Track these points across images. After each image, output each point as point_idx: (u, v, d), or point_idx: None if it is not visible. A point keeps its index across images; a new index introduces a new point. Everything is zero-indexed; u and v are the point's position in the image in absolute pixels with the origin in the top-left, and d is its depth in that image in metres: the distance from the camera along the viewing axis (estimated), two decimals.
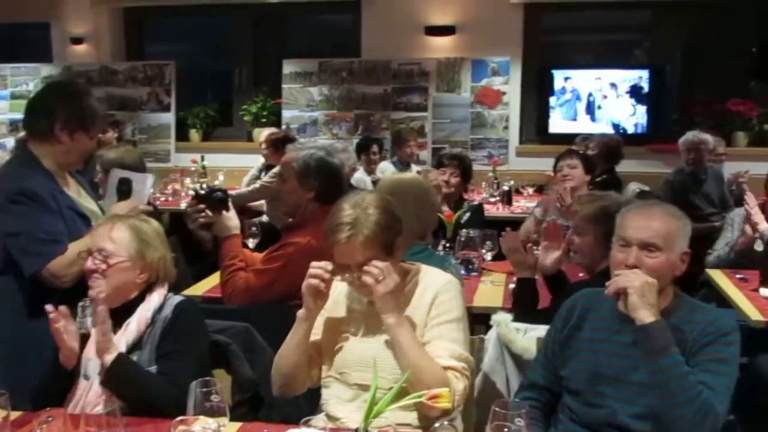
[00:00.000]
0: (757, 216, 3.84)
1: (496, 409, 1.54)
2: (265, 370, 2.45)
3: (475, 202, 4.64)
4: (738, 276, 3.69)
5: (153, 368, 2.12)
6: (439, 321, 2.08)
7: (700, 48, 7.53)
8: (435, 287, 2.13)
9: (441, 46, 7.11)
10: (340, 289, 2.18)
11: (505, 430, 1.52)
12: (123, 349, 2.09)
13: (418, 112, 7.22)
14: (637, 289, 1.91)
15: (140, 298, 2.21)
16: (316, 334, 2.16)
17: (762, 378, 3.08)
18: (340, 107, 7.34)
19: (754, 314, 3.15)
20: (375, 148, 6.33)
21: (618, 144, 5.81)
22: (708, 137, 5.70)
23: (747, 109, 6.92)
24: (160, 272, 2.25)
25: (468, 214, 4.10)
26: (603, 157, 5.61)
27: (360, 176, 5.63)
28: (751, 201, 3.90)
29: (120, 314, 2.16)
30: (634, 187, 5.83)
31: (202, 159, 6.86)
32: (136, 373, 2.08)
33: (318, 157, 3.03)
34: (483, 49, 7.03)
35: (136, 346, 2.14)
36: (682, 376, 1.85)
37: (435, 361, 1.98)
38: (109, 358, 2.02)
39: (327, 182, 3.00)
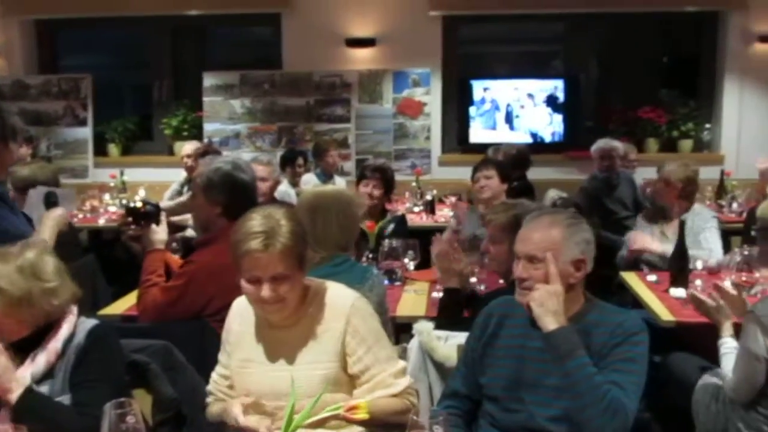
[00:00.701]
0: (653, 245, 4.16)
1: (414, 418, 1.56)
2: (186, 387, 2.43)
3: (399, 213, 4.67)
4: (650, 278, 3.84)
5: (66, 397, 2.04)
6: (368, 346, 2.06)
7: (614, 58, 7.83)
8: (343, 312, 2.07)
9: (362, 58, 7.16)
10: (246, 318, 2.15)
11: None
12: (29, 381, 1.99)
13: (341, 123, 7.25)
14: (536, 299, 1.99)
15: (49, 327, 2.09)
16: (227, 368, 2.14)
17: (674, 376, 3.19)
18: (263, 120, 7.29)
19: (664, 314, 3.27)
20: (300, 160, 6.32)
21: (525, 151, 5.96)
22: (618, 144, 5.92)
23: (656, 117, 7.21)
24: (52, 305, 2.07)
25: (392, 225, 4.13)
26: (512, 165, 5.75)
27: (284, 189, 5.61)
28: (638, 242, 4.19)
29: (28, 344, 2.05)
30: (552, 194, 5.99)
31: (122, 174, 6.70)
32: (45, 408, 1.99)
33: (224, 172, 2.96)
34: (404, 61, 7.11)
35: (47, 375, 2.06)
36: (588, 378, 1.92)
37: (389, 401, 1.99)
38: (14, 396, 1.93)
39: (234, 197, 2.93)
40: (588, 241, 2.09)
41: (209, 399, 2.23)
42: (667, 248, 3.87)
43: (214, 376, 2.23)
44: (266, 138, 7.30)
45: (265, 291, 1.94)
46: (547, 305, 1.99)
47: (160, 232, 3.01)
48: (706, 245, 4.00)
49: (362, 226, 3.86)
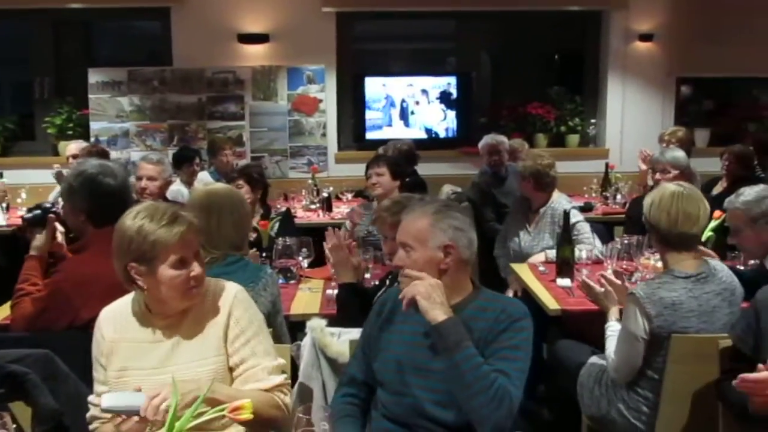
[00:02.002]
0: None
1: (300, 415, 1.55)
2: (69, 397, 2.33)
3: (282, 209, 4.63)
4: (540, 269, 3.96)
5: None
6: (247, 338, 2.08)
7: (505, 55, 8.05)
8: (226, 304, 2.09)
9: (255, 54, 7.06)
10: (120, 324, 2.09)
11: None
12: None
13: (235, 121, 7.12)
14: (423, 293, 2.04)
15: None
16: (106, 383, 2.06)
17: (561, 361, 3.32)
18: (153, 118, 7.06)
19: (551, 303, 3.38)
20: (197, 159, 6.17)
21: (411, 147, 6.05)
22: (503, 139, 6.09)
23: (545, 113, 7.45)
24: None
25: (278, 223, 4.10)
26: (403, 161, 5.83)
27: (177, 188, 5.46)
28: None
29: None
30: (447, 189, 6.11)
31: (1, 176, 6.34)
32: None
33: (85, 177, 2.81)
34: (298, 57, 7.05)
35: None
36: (475, 368, 1.97)
37: (259, 394, 1.98)
38: None
39: (97, 204, 2.77)
40: (457, 228, 2.17)
41: (94, 425, 2.09)
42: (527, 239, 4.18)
43: (92, 398, 2.10)
44: (156, 136, 7.08)
45: (196, 268, 1.99)
46: (434, 297, 2.04)
47: (39, 239, 2.87)
48: (582, 237, 4.14)
49: (256, 225, 3.82)
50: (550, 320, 3.48)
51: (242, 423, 1.73)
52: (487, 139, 6.03)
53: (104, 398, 1.81)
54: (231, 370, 2.07)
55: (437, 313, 2.02)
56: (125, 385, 2.00)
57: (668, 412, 2.58)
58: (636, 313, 2.60)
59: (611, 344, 2.82)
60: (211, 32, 6.94)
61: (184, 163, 6.02)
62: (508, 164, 5.97)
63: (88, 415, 2.10)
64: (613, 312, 2.96)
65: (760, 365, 2.04)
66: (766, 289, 2.45)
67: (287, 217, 4.37)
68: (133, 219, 1.99)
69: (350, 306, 2.96)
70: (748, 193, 3.16)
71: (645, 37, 7.22)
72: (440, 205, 2.23)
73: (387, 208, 3.10)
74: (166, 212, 1.99)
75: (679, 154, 4.54)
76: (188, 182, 5.89)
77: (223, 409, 1.67)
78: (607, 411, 2.80)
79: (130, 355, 2.04)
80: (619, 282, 3.08)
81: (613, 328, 2.90)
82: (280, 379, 2.08)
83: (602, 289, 3.02)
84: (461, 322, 2.04)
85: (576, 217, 4.23)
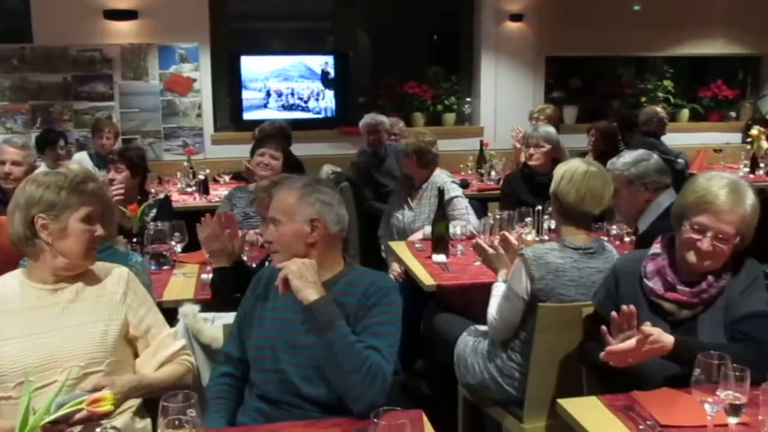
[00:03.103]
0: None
1: (164, 403, 1.51)
2: None
3: (161, 196, 4.47)
4: (416, 246, 4.01)
5: None
6: (148, 308, 2.17)
7: (383, 35, 8.06)
8: (122, 277, 2.16)
9: (124, 32, 6.75)
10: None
11: (177, 422, 1.50)
12: None
13: (103, 101, 6.80)
14: (295, 272, 2.04)
15: None
16: None
17: (438, 335, 3.39)
18: (13, 98, 6.63)
19: (427, 279, 3.43)
20: (62, 142, 5.86)
21: (285, 126, 6.00)
22: (384, 118, 6.13)
23: (422, 92, 7.56)
24: None
25: (155, 210, 3.95)
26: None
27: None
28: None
29: None
30: (327, 169, 6.10)
31: None
32: None
33: None
34: (169, 35, 6.80)
35: None
36: (349, 347, 1.98)
37: (171, 370, 2.08)
38: None
39: None
40: (325, 202, 2.19)
41: None
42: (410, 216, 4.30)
43: None
44: (18, 118, 6.67)
45: (99, 229, 2.08)
46: (306, 277, 2.04)
47: None
48: (456, 213, 4.23)
49: (124, 209, 3.67)
50: (428, 296, 3.55)
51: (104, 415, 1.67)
52: (366, 119, 6.05)
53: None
54: (130, 339, 2.12)
55: (309, 292, 2.02)
56: (6, 354, 1.96)
57: (537, 378, 2.69)
58: (522, 272, 2.69)
59: (494, 303, 2.89)
60: (75, 7, 6.58)
61: (47, 146, 5.72)
62: (387, 143, 6.01)
63: None
64: (502, 274, 3.02)
65: (603, 327, 2.18)
66: (624, 257, 2.60)
67: (166, 202, 4.20)
68: (45, 175, 2.06)
69: (225, 290, 2.90)
70: (628, 155, 3.38)
71: (515, 18, 7.43)
72: (309, 181, 2.25)
73: (265, 189, 3.05)
74: (78, 173, 2.09)
75: (551, 129, 4.70)
76: (53, 167, 5.57)
77: (81, 402, 1.60)
78: (482, 378, 2.89)
79: (10, 325, 1.99)
80: (515, 242, 3.16)
81: (499, 289, 2.95)
82: (182, 342, 2.19)
83: (494, 252, 3.10)
84: (333, 301, 2.04)
85: (453, 192, 4.31)
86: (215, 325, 2.52)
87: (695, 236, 2.22)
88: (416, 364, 4.19)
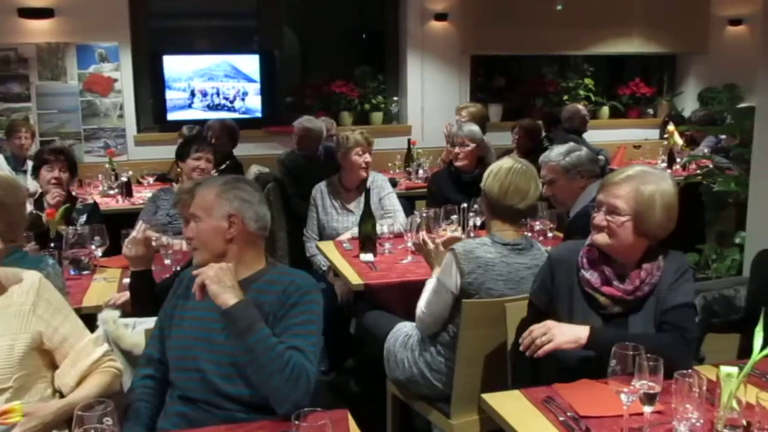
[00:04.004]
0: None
1: (79, 413, 1.46)
2: None
3: (89, 201, 4.31)
4: (344, 245, 4.00)
5: None
6: (64, 315, 2.09)
7: (309, 34, 8.01)
8: (32, 287, 2.06)
9: (39, 30, 6.52)
10: None
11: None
12: None
13: (20, 102, 6.55)
14: (212, 277, 2.02)
15: None
16: None
17: (369, 332, 3.39)
18: None
19: (354, 278, 3.43)
20: None
21: (234, 126, 5.93)
22: (321, 125, 5.99)
23: (349, 91, 7.55)
24: None
25: (84, 216, 3.82)
26: (223, 143, 5.71)
27: None
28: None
29: None
30: (254, 169, 6.01)
31: None
32: None
33: None
34: (87, 34, 6.60)
35: None
36: (269, 349, 1.96)
37: (98, 381, 2.03)
38: None
39: None
40: (244, 199, 2.19)
41: None
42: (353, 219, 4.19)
43: None
44: None
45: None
46: (224, 281, 2.02)
47: None
48: (391, 210, 4.25)
49: (40, 214, 3.55)
50: (358, 295, 3.54)
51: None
52: (302, 122, 5.81)
53: None
54: (50, 352, 2.06)
55: (228, 296, 2.00)
56: None
57: (464, 373, 2.73)
58: (452, 266, 2.72)
59: (424, 296, 2.91)
60: None
61: None
62: (322, 144, 5.87)
63: None
64: (437, 270, 3.05)
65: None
66: (560, 247, 2.65)
67: (95, 210, 4.04)
68: None
69: (143, 294, 2.84)
70: (559, 147, 3.52)
71: (440, 17, 7.50)
72: (230, 179, 2.25)
73: (187, 190, 2.99)
74: None
75: (475, 127, 4.75)
76: None
77: None
78: (412, 373, 2.91)
79: None
80: (460, 237, 3.19)
81: (432, 283, 2.98)
82: (104, 347, 2.14)
83: (433, 247, 3.13)
84: (252, 303, 2.02)
85: (384, 190, 4.32)
86: (137, 331, 2.46)
87: (593, 213, 2.31)
88: (346, 363, 4.18)
